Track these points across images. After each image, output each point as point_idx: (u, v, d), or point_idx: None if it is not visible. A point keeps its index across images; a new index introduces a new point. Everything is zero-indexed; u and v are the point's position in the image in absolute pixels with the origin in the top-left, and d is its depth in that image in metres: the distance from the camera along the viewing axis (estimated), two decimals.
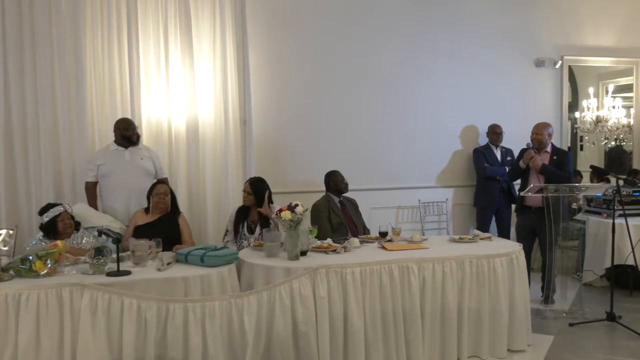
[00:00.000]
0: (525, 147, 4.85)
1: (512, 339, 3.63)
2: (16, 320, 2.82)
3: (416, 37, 5.77)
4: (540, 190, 4.37)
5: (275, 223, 3.94)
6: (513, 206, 5.50)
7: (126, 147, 4.34)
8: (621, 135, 6.37)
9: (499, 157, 5.77)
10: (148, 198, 4.10)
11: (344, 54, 5.53)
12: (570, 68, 6.36)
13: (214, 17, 4.90)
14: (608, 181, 5.04)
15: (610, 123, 6.21)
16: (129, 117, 4.61)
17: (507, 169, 5.52)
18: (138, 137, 4.41)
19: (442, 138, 5.91)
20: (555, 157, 4.76)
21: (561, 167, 4.74)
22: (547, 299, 4.64)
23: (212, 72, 4.92)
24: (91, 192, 4.36)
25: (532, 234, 4.81)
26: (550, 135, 4.81)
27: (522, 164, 4.83)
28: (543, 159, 4.78)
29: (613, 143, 6.45)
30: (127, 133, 4.32)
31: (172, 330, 2.89)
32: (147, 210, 4.07)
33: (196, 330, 2.90)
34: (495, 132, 5.80)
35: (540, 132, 4.78)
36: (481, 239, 4.06)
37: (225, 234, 4.24)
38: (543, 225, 4.49)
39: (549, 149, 4.81)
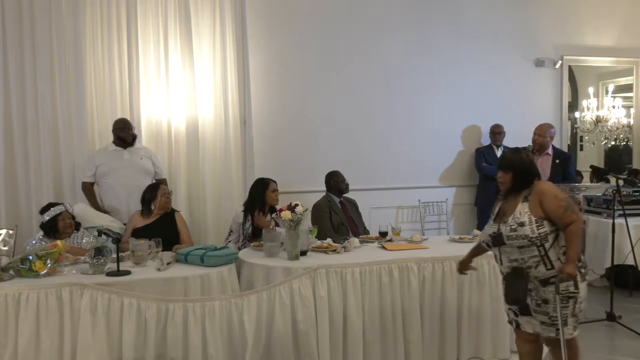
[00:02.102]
0: (528, 149, 4.85)
1: (514, 339, 3.61)
2: (16, 320, 2.82)
3: (416, 37, 5.77)
4: None
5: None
6: None
7: (125, 147, 4.33)
8: (621, 135, 6.36)
9: (499, 156, 5.77)
10: (143, 201, 4.01)
11: (344, 53, 5.52)
12: (570, 68, 6.35)
13: (214, 17, 4.91)
14: (608, 181, 5.04)
15: (610, 123, 6.21)
16: (129, 117, 4.62)
17: None
18: (134, 138, 4.38)
19: (442, 138, 5.90)
20: (557, 161, 4.74)
21: (565, 171, 4.73)
22: None
23: (212, 72, 4.92)
24: (89, 191, 4.35)
25: None
26: (552, 137, 4.80)
27: None
28: (544, 161, 4.77)
29: (613, 142, 6.45)
30: (122, 134, 4.31)
31: (172, 330, 2.89)
32: (142, 212, 4.01)
33: (196, 330, 2.90)
34: (493, 132, 5.81)
35: (542, 134, 4.75)
36: None
37: (230, 234, 4.23)
38: None
39: (550, 151, 4.81)
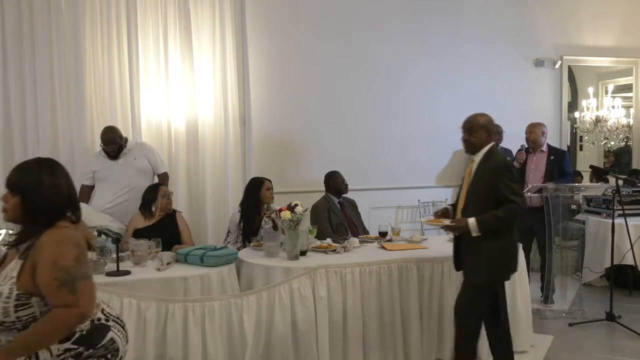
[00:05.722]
0: (520, 148, 4.87)
1: (514, 339, 3.59)
2: None
3: (416, 37, 5.78)
4: (540, 190, 4.37)
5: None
6: None
7: (111, 159, 4.25)
8: (620, 135, 6.37)
9: None
10: (143, 202, 3.97)
11: (343, 53, 5.53)
12: (569, 68, 6.36)
13: (213, 17, 4.91)
14: (607, 181, 5.04)
15: (609, 123, 6.22)
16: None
17: None
18: (120, 149, 4.23)
19: (442, 138, 5.89)
20: (552, 157, 4.75)
21: (560, 167, 4.74)
22: (546, 299, 4.64)
23: (212, 72, 4.92)
24: (85, 194, 4.31)
25: (530, 234, 4.81)
26: (544, 134, 4.81)
27: (516, 164, 4.84)
28: (539, 158, 4.78)
29: (622, 144, 6.47)
30: (104, 148, 4.21)
31: (172, 330, 2.89)
32: (144, 213, 3.99)
33: (196, 330, 2.89)
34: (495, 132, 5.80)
35: (533, 131, 4.78)
36: None
37: (228, 234, 4.23)
38: (541, 225, 4.49)
39: (544, 148, 4.82)
